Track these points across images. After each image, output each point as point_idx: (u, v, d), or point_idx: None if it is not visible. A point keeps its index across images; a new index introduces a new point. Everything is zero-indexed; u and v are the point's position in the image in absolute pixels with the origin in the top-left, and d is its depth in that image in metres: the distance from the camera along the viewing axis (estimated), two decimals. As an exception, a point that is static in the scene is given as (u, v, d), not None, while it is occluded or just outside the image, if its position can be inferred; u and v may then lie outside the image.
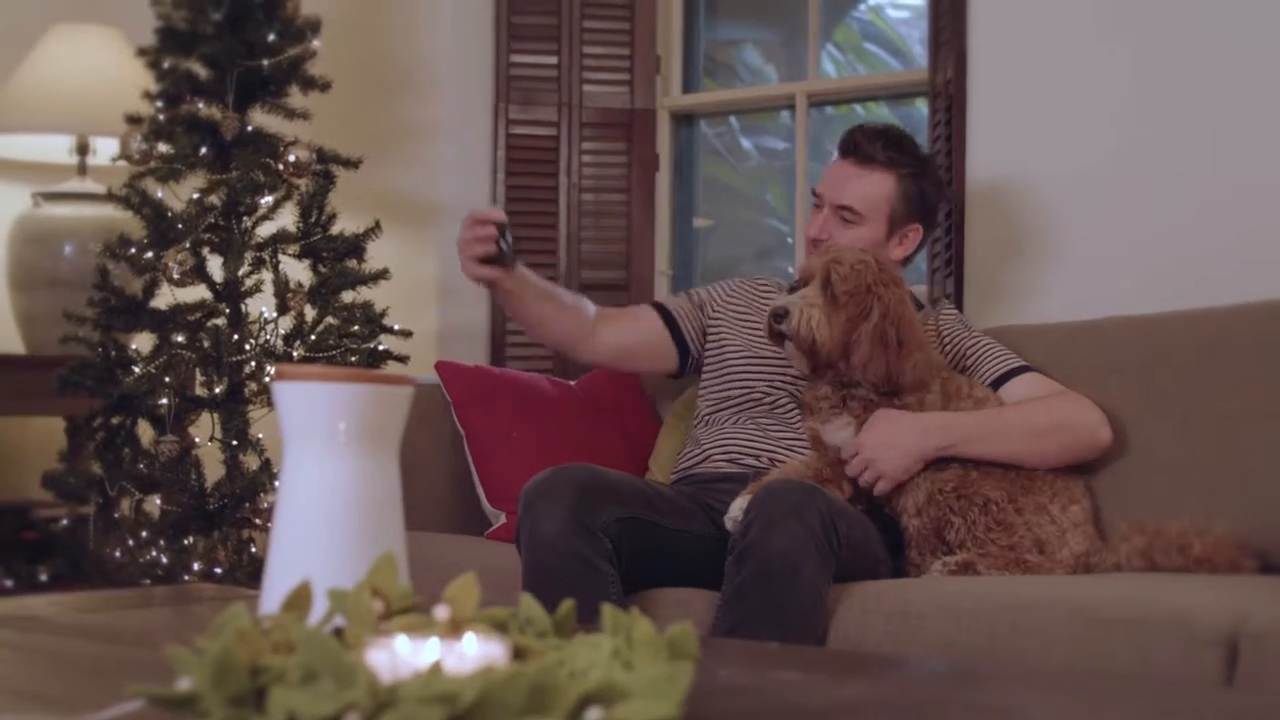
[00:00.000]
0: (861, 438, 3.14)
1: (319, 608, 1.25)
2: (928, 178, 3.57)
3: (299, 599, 1.26)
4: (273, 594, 1.40)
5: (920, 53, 5.60)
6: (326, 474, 1.41)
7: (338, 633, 1.22)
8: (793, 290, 3.27)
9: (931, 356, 3.26)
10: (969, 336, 3.49)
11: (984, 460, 3.15)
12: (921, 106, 5.40)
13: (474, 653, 1.16)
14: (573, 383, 4.17)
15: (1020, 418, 3.22)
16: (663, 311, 3.71)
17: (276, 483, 4.04)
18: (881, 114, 5.57)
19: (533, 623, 1.31)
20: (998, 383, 3.38)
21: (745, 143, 6.14)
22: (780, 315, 3.18)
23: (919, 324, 3.21)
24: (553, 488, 2.85)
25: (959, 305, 4.05)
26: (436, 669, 1.07)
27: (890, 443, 3.12)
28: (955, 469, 3.13)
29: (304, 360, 4.14)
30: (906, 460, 3.12)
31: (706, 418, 3.54)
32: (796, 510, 2.73)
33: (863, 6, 6.26)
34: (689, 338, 3.68)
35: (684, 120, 5.50)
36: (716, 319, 3.67)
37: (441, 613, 1.24)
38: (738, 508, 2.94)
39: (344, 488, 1.41)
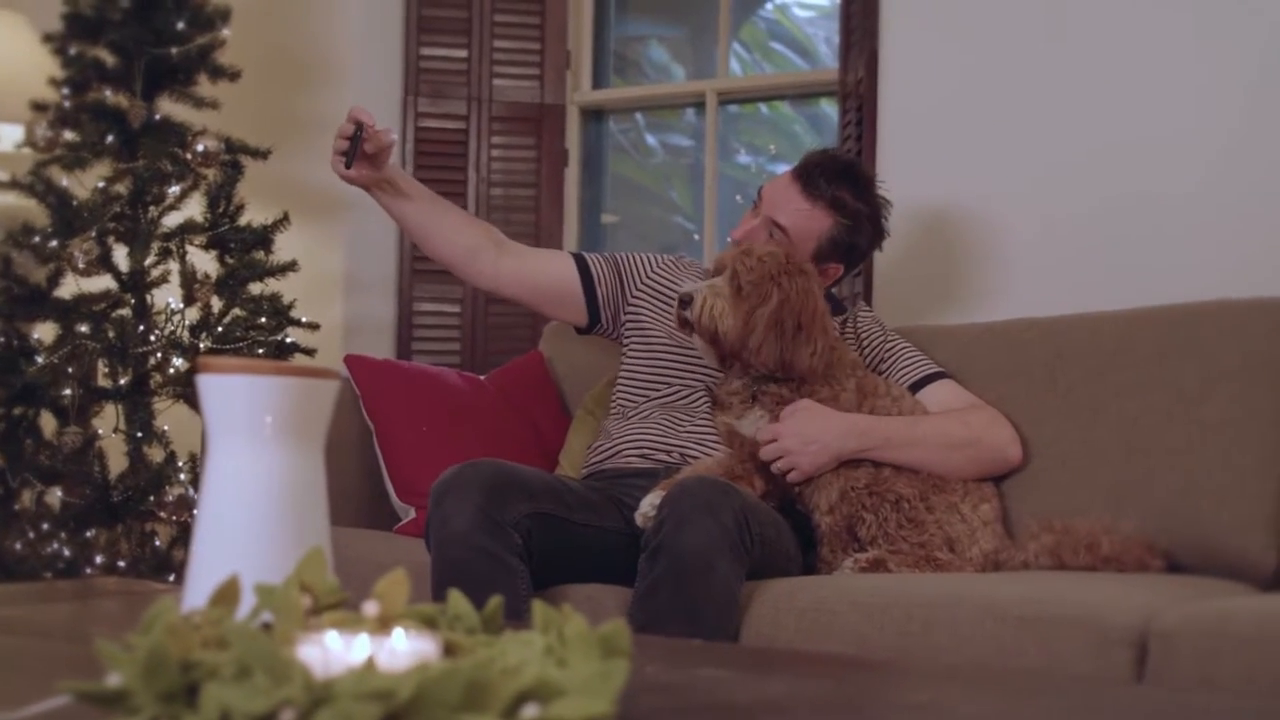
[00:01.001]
0: (781, 426, 3.14)
1: (246, 603, 1.24)
2: (864, 233, 3.53)
3: (227, 594, 1.24)
4: (197, 588, 1.38)
5: (826, 52, 5.63)
6: (253, 467, 1.40)
7: (265, 628, 1.21)
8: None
9: (840, 350, 3.27)
10: (886, 339, 3.51)
11: (896, 465, 3.17)
12: (827, 106, 5.43)
13: (405, 649, 1.15)
14: (483, 377, 4.15)
15: (936, 429, 3.25)
16: (580, 264, 3.66)
17: (181, 475, 4.05)
18: (787, 114, 5.59)
19: (461, 619, 1.30)
20: (915, 387, 3.40)
21: (650, 139, 6.15)
22: (686, 301, 3.18)
23: (826, 315, 3.21)
24: (462, 483, 2.83)
25: (868, 304, 4.07)
26: (370, 665, 1.06)
27: (810, 437, 3.13)
28: (868, 467, 3.15)
29: (211, 352, 4.10)
30: (823, 457, 3.13)
31: (620, 409, 3.53)
32: (710, 507, 2.73)
33: (769, 5, 6.27)
34: (602, 302, 3.63)
35: (593, 116, 5.49)
36: (639, 298, 3.63)
37: (371, 609, 1.23)
38: (648, 504, 2.94)
39: (270, 481, 1.40)
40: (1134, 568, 3.00)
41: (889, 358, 3.47)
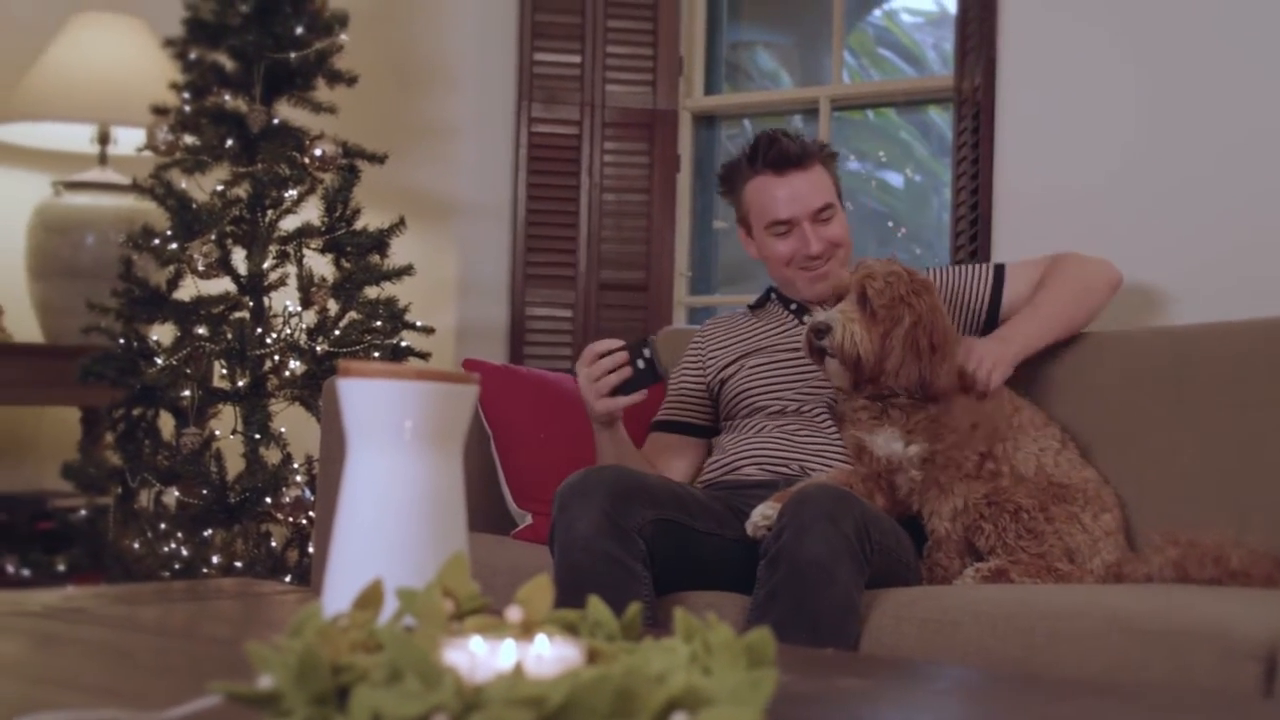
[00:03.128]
0: (970, 354, 3.26)
1: (387, 607, 1.24)
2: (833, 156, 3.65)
3: (370, 598, 1.25)
4: (336, 592, 1.39)
5: (934, 59, 5.60)
6: (392, 472, 1.40)
7: (409, 632, 1.21)
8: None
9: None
10: (938, 276, 3.57)
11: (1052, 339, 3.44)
12: (935, 113, 5.40)
13: (551, 655, 1.15)
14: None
15: (1051, 303, 3.47)
16: (672, 427, 3.64)
17: (297, 477, 4.08)
18: (894, 120, 5.56)
19: (601, 625, 1.30)
20: (994, 294, 3.54)
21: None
22: (822, 331, 3.17)
23: (952, 331, 3.20)
24: (587, 488, 2.83)
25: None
26: (519, 671, 1.06)
27: (990, 350, 3.28)
28: (987, 479, 3.13)
29: (327, 356, 4.13)
30: (1005, 360, 3.29)
31: (734, 424, 3.52)
32: (831, 516, 2.72)
33: (877, 12, 6.26)
34: (708, 422, 3.65)
35: (705, 122, 5.49)
36: (714, 359, 3.64)
37: (515, 614, 1.23)
38: (759, 514, 2.93)
39: (410, 486, 1.41)
40: (1261, 583, 2.95)
41: (949, 285, 3.56)
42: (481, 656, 1.13)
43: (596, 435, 3.25)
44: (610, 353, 3.08)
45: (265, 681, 1.09)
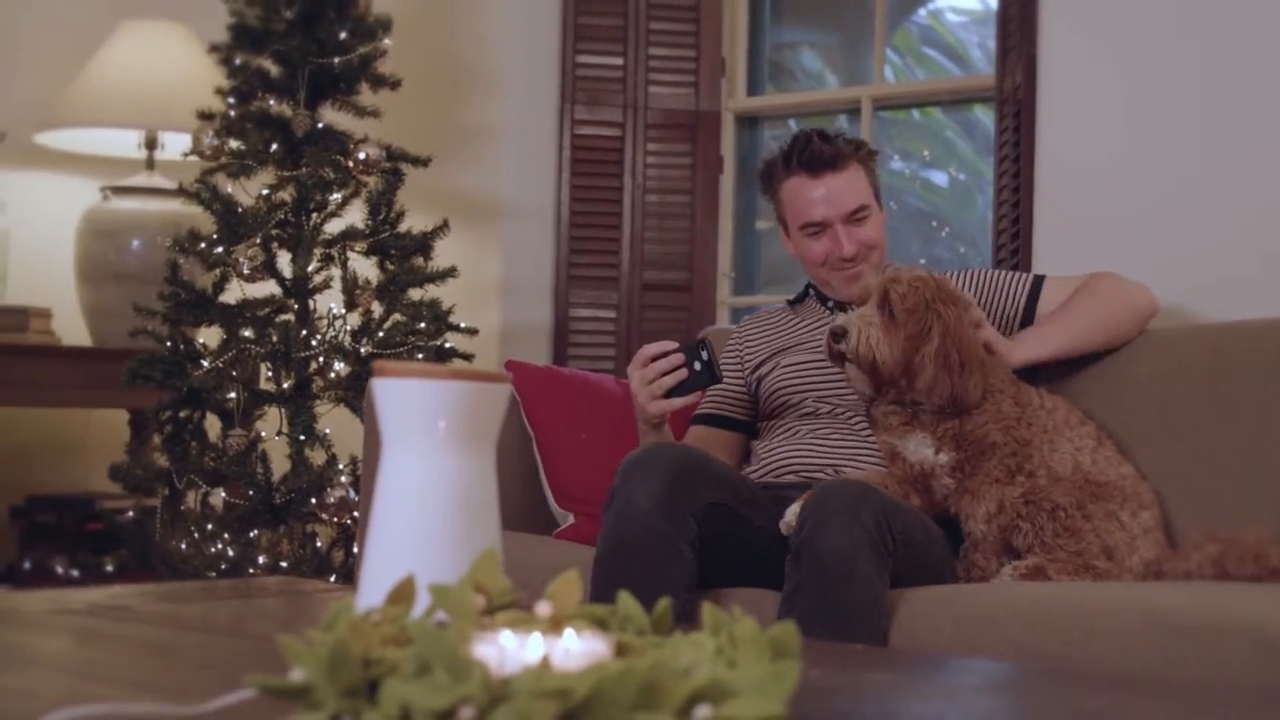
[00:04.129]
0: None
1: (420, 602, 1.26)
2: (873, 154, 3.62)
3: (403, 593, 1.27)
4: (371, 588, 1.41)
5: (979, 57, 5.59)
6: (426, 470, 1.42)
7: (441, 627, 1.23)
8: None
9: (991, 371, 3.25)
10: (976, 279, 3.57)
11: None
12: (980, 112, 5.39)
13: (579, 649, 1.17)
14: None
15: (1082, 316, 3.46)
16: (713, 421, 3.64)
17: (342, 478, 4.12)
18: (939, 119, 5.56)
19: (631, 620, 1.31)
20: (1029, 303, 3.53)
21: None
22: (839, 334, 3.18)
23: (977, 341, 3.20)
24: (652, 463, 2.84)
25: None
26: (546, 664, 1.08)
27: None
28: (1023, 479, 3.12)
29: (372, 358, 4.16)
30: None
31: (770, 425, 3.52)
32: (851, 508, 2.73)
33: (922, 11, 6.25)
34: (748, 418, 3.65)
35: (748, 123, 5.50)
36: (751, 355, 3.65)
37: (544, 609, 1.25)
38: (792, 512, 2.93)
39: (443, 484, 1.42)
40: (1304, 580, 2.95)
41: (986, 289, 3.55)
42: (510, 650, 1.15)
43: (642, 436, 3.26)
44: (665, 354, 3.07)
45: (297, 675, 1.11)
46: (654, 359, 3.08)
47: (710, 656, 1.19)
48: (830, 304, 3.60)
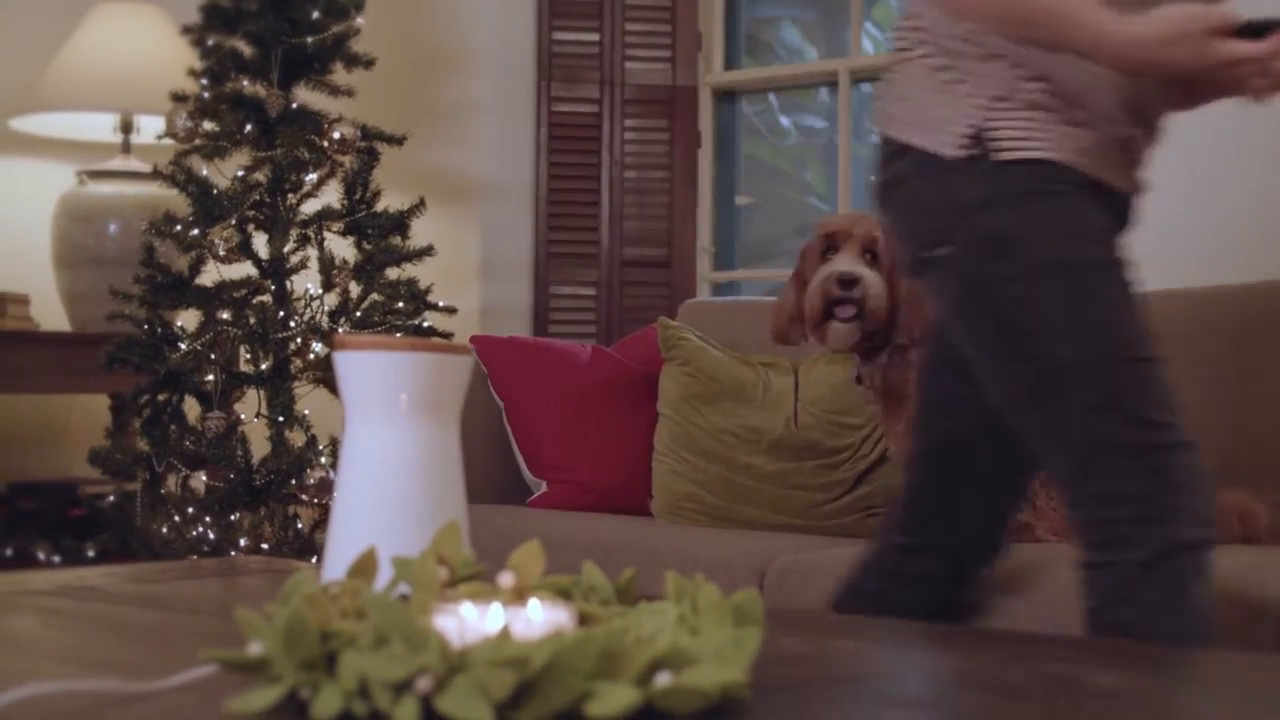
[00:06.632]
0: None
1: (384, 575, 1.26)
2: None
3: (364, 566, 1.26)
4: (336, 561, 1.40)
5: (961, 30, 5.58)
6: (389, 443, 1.42)
7: (402, 600, 1.22)
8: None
9: None
10: None
11: None
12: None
13: (540, 619, 1.16)
14: (609, 348, 4.18)
15: None
16: None
17: (322, 459, 4.11)
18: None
19: (595, 590, 1.31)
20: None
21: (784, 120, 6.13)
22: (850, 281, 3.10)
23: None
24: None
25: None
26: (505, 634, 1.08)
27: None
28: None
29: (349, 337, 4.15)
30: None
31: None
32: None
33: (902, -16, 6.24)
34: None
35: (725, 97, 5.48)
36: None
37: (506, 580, 1.24)
38: None
39: (406, 456, 1.42)
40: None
41: None
42: (470, 621, 1.14)
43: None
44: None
45: (255, 649, 1.10)
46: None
47: (673, 624, 1.18)
48: None
